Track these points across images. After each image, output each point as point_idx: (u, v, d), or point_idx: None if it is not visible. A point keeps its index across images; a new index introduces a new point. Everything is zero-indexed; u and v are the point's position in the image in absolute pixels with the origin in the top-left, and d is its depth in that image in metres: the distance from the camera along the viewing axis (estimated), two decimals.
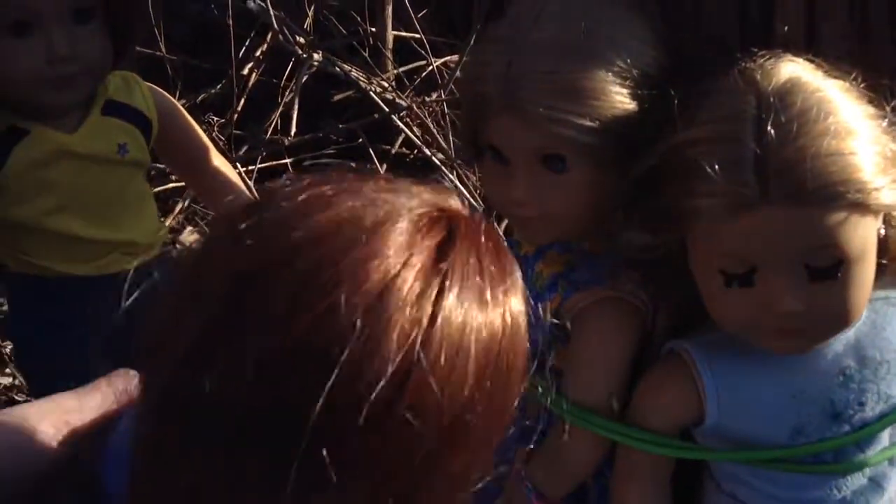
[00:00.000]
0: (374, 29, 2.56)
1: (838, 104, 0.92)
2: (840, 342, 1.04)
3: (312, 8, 2.60)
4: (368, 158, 2.59)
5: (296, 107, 2.29)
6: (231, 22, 2.28)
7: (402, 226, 0.64)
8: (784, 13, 1.04)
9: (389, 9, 2.47)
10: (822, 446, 1.05)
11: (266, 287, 0.59)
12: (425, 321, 0.61)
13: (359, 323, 0.58)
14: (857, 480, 1.08)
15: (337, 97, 2.62)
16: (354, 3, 2.67)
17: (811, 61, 1.00)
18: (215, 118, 2.30)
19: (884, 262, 1.01)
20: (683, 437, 1.13)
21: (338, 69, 2.31)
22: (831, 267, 0.93)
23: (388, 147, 2.62)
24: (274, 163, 2.31)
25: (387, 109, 2.34)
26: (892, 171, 0.93)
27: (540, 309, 1.18)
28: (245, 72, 2.64)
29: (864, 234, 0.92)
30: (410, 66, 2.64)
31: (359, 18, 2.63)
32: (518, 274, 0.70)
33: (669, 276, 1.06)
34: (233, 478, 0.59)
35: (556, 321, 1.17)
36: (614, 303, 1.13)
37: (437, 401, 0.60)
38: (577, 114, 1.01)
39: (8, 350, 2.00)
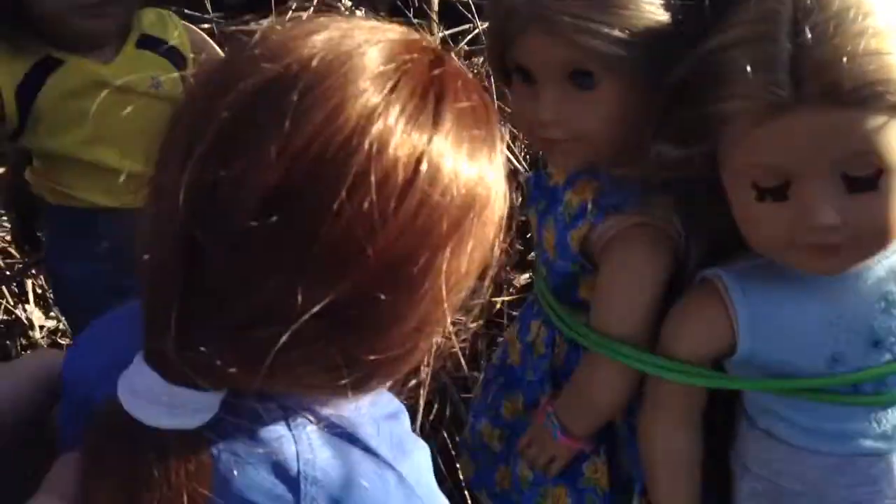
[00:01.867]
0: None
1: (878, 5, 0.87)
2: (882, 266, 1.00)
3: None
4: None
5: None
6: None
7: (389, 45, 0.67)
8: None
9: None
10: (862, 375, 1.00)
11: (273, 103, 0.63)
12: (421, 143, 0.64)
13: (363, 123, 0.62)
14: None
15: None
16: None
17: None
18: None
19: None
20: (715, 370, 1.10)
21: None
22: (871, 177, 0.88)
23: None
24: None
25: None
26: None
27: (568, 239, 1.16)
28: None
29: None
30: (456, 29, 2.61)
31: None
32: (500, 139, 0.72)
33: (703, 198, 1.03)
34: (252, 267, 0.62)
35: (583, 252, 1.14)
36: (645, 229, 1.10)
37: (437, 206, 0.64)
38: (606, 23, 0.98)
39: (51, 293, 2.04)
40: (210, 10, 2.20)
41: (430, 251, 0.64)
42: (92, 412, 0.69)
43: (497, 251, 0.72)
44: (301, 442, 0.70)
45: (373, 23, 0.70)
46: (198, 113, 0.65)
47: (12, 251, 2.07)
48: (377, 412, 0.76)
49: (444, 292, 0.65)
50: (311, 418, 0.71)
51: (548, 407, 1.25)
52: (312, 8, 2.73)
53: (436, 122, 0.65)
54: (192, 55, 1.44)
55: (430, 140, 0.64)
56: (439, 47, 0.72)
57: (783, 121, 0.87)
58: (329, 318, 0.62)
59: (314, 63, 0.64)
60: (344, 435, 0.73)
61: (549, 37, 1.01)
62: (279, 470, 0.69)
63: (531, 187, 1.29)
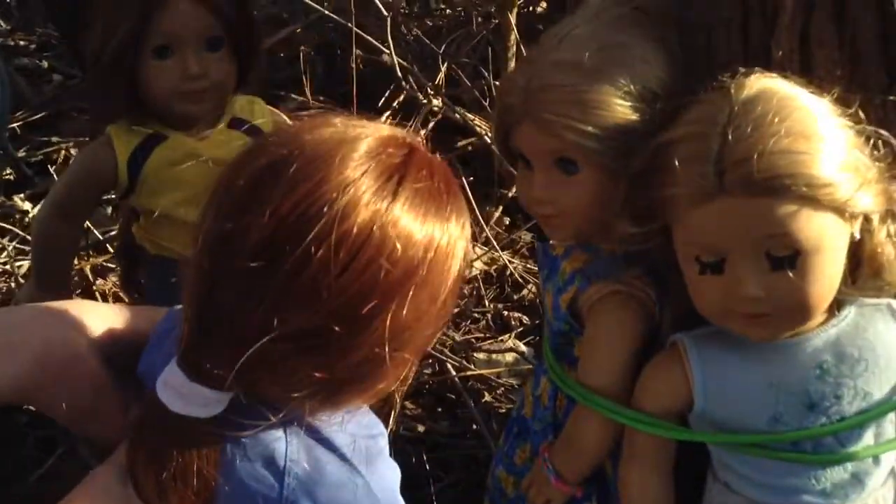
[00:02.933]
0: (497, 83, 2.80)
1: (801, 112, 1.03)
2: (820, 337, 1.12)
3: (445, 64, 2.88)
4: (488, 201, 2.82)
5: None
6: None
7: (374, 139, 0.88)
8: (780, 41, 1.17)
9: (511, 64, 2.70)
10: (798, 434, 1.12)
11: (274, 176, 0.85)
12: (382, 209, 0.84)
13: (336, 195, 0.83)
14: (838, 474, 1.14)
15: (460, 143, 2.86)
16: (485, 60, 2.94)
17: (808, 83, 1.12)
18: None
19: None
20: (683, 423, 1.23)
21: (457, 115, 2.55)
22: (788, 256, 1.03)
23: (506, 192, 2.82)
24: None
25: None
26: (854, 175, 1.03)
27: (559, 301, 1.34)
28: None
29: (819, 228, 1.02)
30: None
31: (485, 73, 2.88)
32: (464, 206, 0.92)
33: (667, 270, 1.19)
34: (246, 295, 0.84)
35: (570, 313, 1.31)
36: (622, 296, 1.26)
37: (381, 268, 0.83)
38: (583, 121, 1.17)
39: None
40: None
41: (378, 298, 0.84)
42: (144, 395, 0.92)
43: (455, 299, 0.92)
44: (291, 444, 0.91)
45: (367, 122, 0.93)
46: (225, 181, 0.90)
47: (122, 296, 2.39)
48: (359, 431, 0.97)
49: (386, 333, 0.85)
50: (303, 427, 0.92)
51: (545, 453, 1.40)
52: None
53: (394, 198, 0.86)
54: None
55: (386, 211, 0.85)
56: (418, 143, 0.93)
57: (711, 206, 1.04)
58: (298, 340, 0.84)
59: (309, 150, 0.87)
60: (326, 443, 0.94)
61: (538, 130, 1.22)
62: (270, 464, 0.90)
63: (540, 256, 1.48)
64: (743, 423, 1.15)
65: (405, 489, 0.99)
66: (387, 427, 1.01)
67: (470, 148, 2.94)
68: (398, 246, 0.84)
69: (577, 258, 1.33)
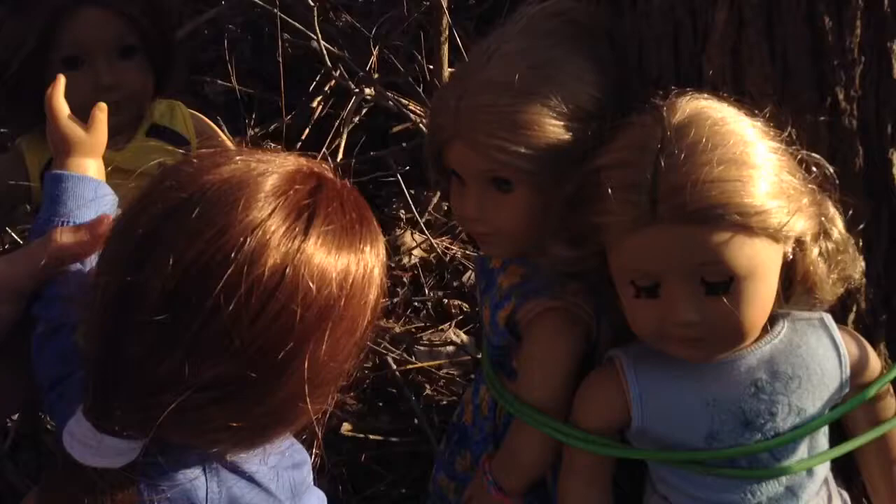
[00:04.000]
0: (431, 66, 2.75)
1: (733, 137, 1.02)
2: (754, 356, 1.13)
3: (377, 48, 2.82)
4: (425, 186, 2.79)
5: (343, 137, 2.50)
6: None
7: (279, 176, 0.85)
8: (711, 57, 1.15)
9: (445, 48, 2.65)
10: (734, 451, 1.13)
11: (175, 223, 0.82)
12: (292, 249, 0.81)
13: (243, 241, 0.80)
14: (773, 487, 1.15)
15: (396, 129, 2.81)
16: (417, 42, 2.88)
17: (737, 100, 1.11)
18: (272, 144, 2.54)
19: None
20: (622, 439, 1.24)
21: (390, 103, 2.50)
22: (723, 282, 1.03)
23: None
24: None
25: None
26: (786, 201, 1.03)
27: (496, 317, 1.32)
28: (314, 104, 2.88)
29: (752, 254, 1.02)
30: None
31: (419, 57, 2.82)
32: (379, 233, 0.90)
33: (605, 288, 1.18)
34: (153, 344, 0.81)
35: (508, 328, 1.30)
36: (559, 312, 1.25)
37: (295, 312, 0.81)
38: (514, 142, 1.15)
39: None
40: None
41: (294, 342, 0.82)
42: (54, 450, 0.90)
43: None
44: (211, 484, 0.90)
45: (273, 155, 0.89)
46: (122, 229, 0.86)
47: None
48: (281, 462, 0.95)
49: (305, 374, 0.83)
50: (223, 464, 0.90)
51: (485, 464, 1.40)
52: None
53: (305, 236, 0.83)
54: (194, 140, 1.64)
55: (297, 251, 0.82)
56: (326, 172, 0.90)
57: (645, 234, 1.03)
58: (213, 390, 0.82)
59: (210, 193, 0.83)
60: (248, 478, 0.92)
61: (470, 150, 1.19)
62: (191, 502, 0.88)
63: (477, 268, 1.46)
64: (680, 440, 1.16)
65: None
66: (311, 453, 0.99)
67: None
68: (312, 286, 0.82)
69: (514, 272, 1.32)
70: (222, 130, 2.38)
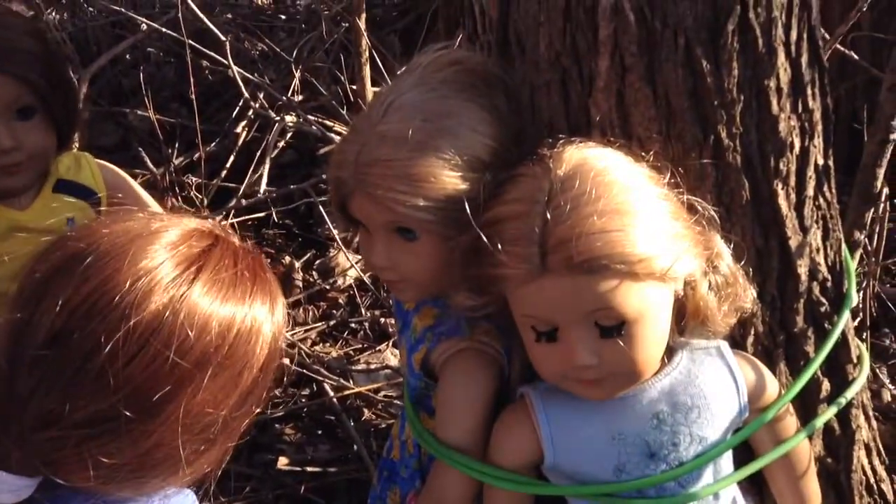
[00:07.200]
0: (354, 87, 2.76)
1: (615, 187, 1.06)
2: (655, 388, 1.17)
3: (299, 70, 2.82)
4: None
5: (266, 165, 2.50)
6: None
7: (175, 232, 0.90)
8: (597, 102, 1.19)
9: (367, 69, 2.67)
10: (641, 483, 1.17)
11: (68, 269, 0.87)
12: (176, 296, 0.86)
13: (129, 286, 0.85)
14: None
15: (322, 150, 2.82)
16: (339, 63, 2.89)
17: (625, 144, 1.15)
18: (194, 179, 2.53)
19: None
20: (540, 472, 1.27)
21: (314, 127, 2.50)
22: (616, 326, 1.07)
23: None
24: (251, 216, 2.52)
25: None
26: (670, 245, 1.06)
27: (412, 360, 1.35)
28: (239, 129, 2.87)
29: (641, 298, 1.06)
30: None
31: (342, 77, 2.83)
32: (278, 296, 0.95)
33: (511, 326, 1.21)
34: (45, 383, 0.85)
35: (423, 371, 1.33)
36: (470, 353, 1.28)
37: (169, 357, 0.85)
38: (412, 194, 1.17)
39: None
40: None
41: (171, 385, 0.86)
42: None
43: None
44: None
45: (174, 217, 0.94)
46: (25, 274, 0.91)
47: None
48: None
49: (180, 417, 0.86)
50: None
51: (412, 503, 1.42)
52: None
53: (190, 285, 0.88)
54: (104, 192, 1.62)
55: (181, 297, 0.87)
56: (225, 234, 0.94)
57: (538, 284, 1.06)
58: (92, 427, 0.86)
59: (105, 243, 0.89)
60: None
61: (371, 202, 1.21)
62: None
63: (394, 308, 1.48)
64: (591, 474, 1.19)
65: None
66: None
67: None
68: (191, 334, 0.86)
69: (427, 314, 1.34)
70: (144, 162, 2.38)
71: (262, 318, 0.92)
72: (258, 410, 0.96)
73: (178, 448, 0.88)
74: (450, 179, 1.17)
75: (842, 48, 2.02)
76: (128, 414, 0.85)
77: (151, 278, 0.86)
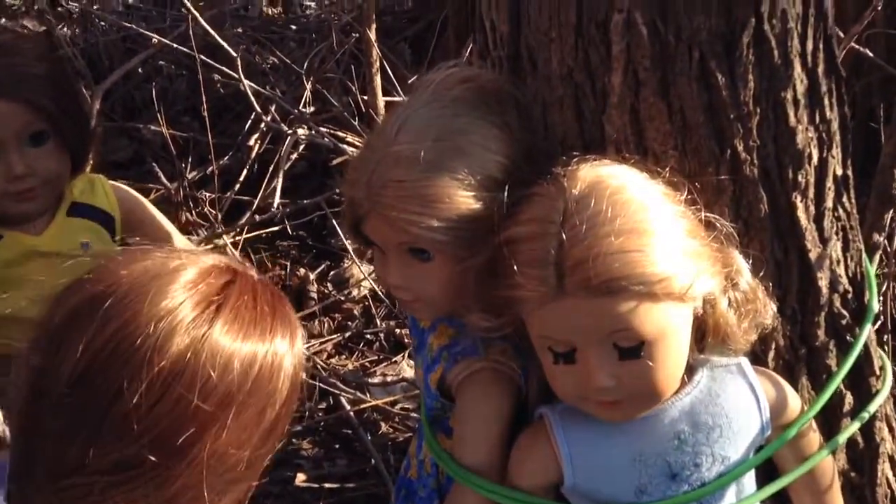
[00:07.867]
0: (365, 97, 2.76)
1: (632, 205, 1.04)
2: (676, 408, 1.16)
3: (310, 82, 2.82)
4: None
5: (280, 178, 2.49)
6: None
7: (193, 270, 0.89)
8: (611, 118, 1.17)
9: (377, 79, 2.66)
10: None
11: (89, 313, 0.86)
12: (198, 337, 0.85)
13: (150, 328, 0.84)
14: None
15: (335, 161, 2.81)
16: (351, 75, 2.88)
17: (640, 160, 1.13)
18: (207, 194, 2.53)
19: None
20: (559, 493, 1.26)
21: (325, 139, 2.50)
22: (635, 347, 1.05)
23: None
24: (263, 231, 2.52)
25: None
26: (688, 264, 1.05)
27: (428, 380, 1.33)
28: (252, 142, 2.87)
29: (660, 318, 1.04)
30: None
31: (353, 88, 2.83)
32: (297, 328, 0.94)
33: (529, 348, 1.20)
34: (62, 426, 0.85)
35: (440, 391, 1.31)
36: (487, 373, 1.26)
37: (192, 401, 0.84)
38: (425, 215, 1.16)
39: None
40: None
41: (195, 427, 0.85)
42: None
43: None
44: None
45: (190, 254, 0.93)
46: (45, 318, 0.90)
47: None
48: None
49: (206, 458, 0.85)
50: None
51: None
52: None
53: (210, 325, 0.86)
54: (118, 214, 1.62)
55: (202, 337, 0.86)
56: (244, 270, 0.93)
57: (555, 306, 1.04)
58: (117, 474, 0.84)
59: (125, 285, 0.87)
60: None
61: (385, 223, 1.20)
62: None
63: (410, 326, 1.47)
64: (611, 495, 1.18)
65: None
66: None
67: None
68: (213, 375, 0.85)
69: (443, 333, 1.33)
70: (158, 177, 2.39)
71: (283, 353, 0.92)
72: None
73: (202, 491, 0.87)
74: (463, 199, 1.16)
75: (857, 46, 1.99)
76: (153, 458, 0.84)
77: (172, 319, 0.85)
